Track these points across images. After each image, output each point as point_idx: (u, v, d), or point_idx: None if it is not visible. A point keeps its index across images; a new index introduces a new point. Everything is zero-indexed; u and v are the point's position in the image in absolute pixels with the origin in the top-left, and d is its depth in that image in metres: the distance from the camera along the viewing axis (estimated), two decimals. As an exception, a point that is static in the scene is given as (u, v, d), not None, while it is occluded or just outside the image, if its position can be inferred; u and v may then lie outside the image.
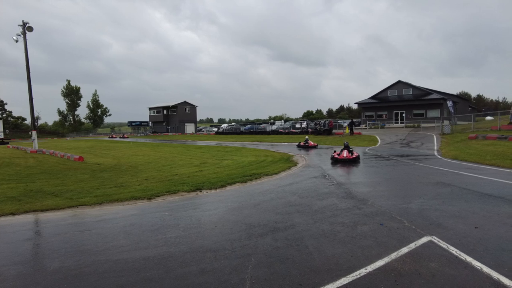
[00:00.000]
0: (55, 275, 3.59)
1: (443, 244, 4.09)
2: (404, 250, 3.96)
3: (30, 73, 23.14)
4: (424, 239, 4.29)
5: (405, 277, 3.28)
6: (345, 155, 13.54)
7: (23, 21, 22.64)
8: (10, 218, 6.10)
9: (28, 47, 22.94)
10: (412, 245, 4.10)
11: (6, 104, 68.04)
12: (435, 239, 4.29)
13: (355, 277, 3.30)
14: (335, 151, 14.30)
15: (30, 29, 22.73)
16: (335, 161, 13.50)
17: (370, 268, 3.50)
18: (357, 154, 13.79)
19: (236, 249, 4.18)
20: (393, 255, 3.81)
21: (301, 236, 4.60)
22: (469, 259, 3.63)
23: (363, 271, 3.42)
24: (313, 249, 4.11)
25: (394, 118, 40.96)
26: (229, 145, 26.87)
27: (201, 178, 9.90)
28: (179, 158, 16.77)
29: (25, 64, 22.81)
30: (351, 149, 13.93)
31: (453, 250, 3.90)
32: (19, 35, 22.91)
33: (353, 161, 13.28)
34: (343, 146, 14.46)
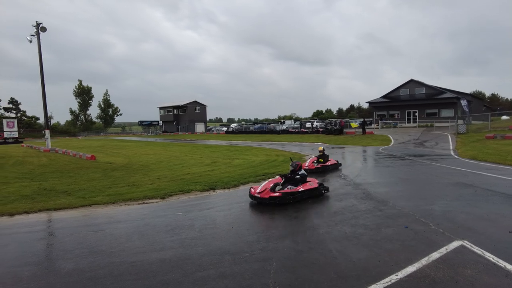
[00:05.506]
0: (69, 277, 3.46)
1: (476, 250, 3.82)
2: (435, 255, 3.71)
3: (44, 73, 23.42)
4: (455, 244, 4.03)
5: (441, 285, 3.04)
6: (257, 191, 6.36)
7: (36, 21, 22.86)
8: (24, 217, 6.05)
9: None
10: (443, 250, 3.84)
11: (20, 104, 69.08)
12: (466, 243, 4.02)
13: (386, 284, 3.08)
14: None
15: (44, 29, 22.91)
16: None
17: (401, 274, 3.27)
18: (312, 187, 6.80)
19: (256, 252, 3.99)
20: (424, 261, 3.57)
21: (323, 239, 4.39)
22: (509, 266, 3.36)
23: (393, 278, 3.20)
24: (337, 253, 3.89)
25: (406, 117, 40.21)
26: (239, 145, 26.71)
27: (213, 178, 9.74)
28: (190, 157, 16.68)
29: (37, 64, 22.90)
30: (298, 175, 6.95)
31: (489, 256, 3.62)
32: (32, 35, 23.16)
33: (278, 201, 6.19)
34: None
